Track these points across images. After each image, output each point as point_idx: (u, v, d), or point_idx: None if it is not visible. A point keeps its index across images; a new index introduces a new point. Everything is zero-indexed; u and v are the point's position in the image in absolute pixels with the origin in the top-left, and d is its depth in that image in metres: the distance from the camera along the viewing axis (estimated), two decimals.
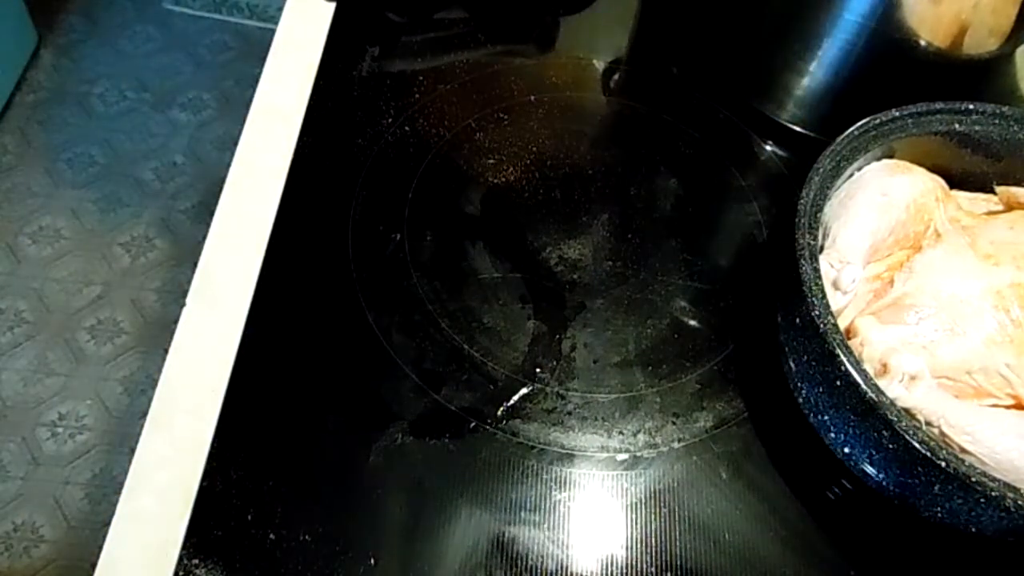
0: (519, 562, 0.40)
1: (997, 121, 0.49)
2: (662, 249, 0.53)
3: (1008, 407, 0.41)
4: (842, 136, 0.46)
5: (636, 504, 0.43)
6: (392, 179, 0.55)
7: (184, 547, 0.39)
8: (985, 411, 0.40)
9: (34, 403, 1.21)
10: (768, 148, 0.60)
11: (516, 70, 0.62)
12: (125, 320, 1.30)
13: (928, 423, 0.40)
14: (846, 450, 0.42)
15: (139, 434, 0.43)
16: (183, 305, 0.48)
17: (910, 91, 0.49)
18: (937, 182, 0.48)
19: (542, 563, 0.40)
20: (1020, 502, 0.35)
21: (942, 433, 0.39)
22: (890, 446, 0.38)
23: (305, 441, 0.43)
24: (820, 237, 0.46)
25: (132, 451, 0.43)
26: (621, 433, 0.45)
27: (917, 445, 0.36)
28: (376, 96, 0.59)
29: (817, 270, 0.41)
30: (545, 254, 0.52)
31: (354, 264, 0.50)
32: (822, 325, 0.39)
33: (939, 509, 0.39)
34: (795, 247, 0.42)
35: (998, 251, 0.44)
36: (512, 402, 0.46)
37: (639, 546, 0.41)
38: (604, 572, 0.41)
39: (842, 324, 0.43)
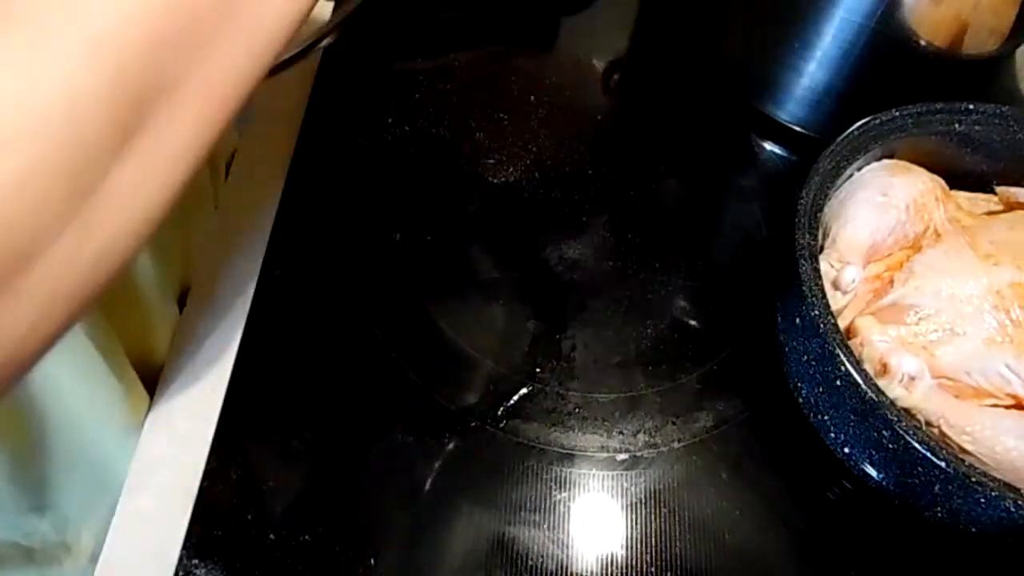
0: (519, 562, 0.40)
1: (997, 121, 0.49)
2: (662, 249, 0.53)
3: (1008, 407, 0.41)
4: (842, 136, 0.46)
5: (636, 504, 0.43)
6: (392, 179, 0.55)
7: (184, 547, 0.39)
8: (985, 411, 0.40)
9: None
10: (768, 148, 0.60)
11: (516, 70, 0.62)
12: None
13: (928, 423, 0.40)
14: (846, 450, 0.42)
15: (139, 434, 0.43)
16: (183, 305, 0.48)
17: (910, 91, 0.49)
18: (937, 182, 0.48)
19: (542, 563, 0.40)
20: (1020, 502, 0.35)
21: (942, 433, 0.39)
22: (890, 446, 0.38)
23: (305, 441, 0.43)
24: (820, 237, 0.46)
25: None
26: (621, 433, 0.45)
27: (917, 445, 0.36)
28: (376, 96, 0.59)
29: (817, 270, 0.41)
30: (545, 254, 0.52)
31: (354, 264, 0.50)
32: (822, 325, 0.39)
33: (939, 509, 0.39)
34: (795, 247, 0.42)
35: (998, 251, 0.44)
36: (512, 402, 0.46)
37: (639, 546, 0.41)
38: (604, 572, 0.41)
39: (842, 324, 0.43)
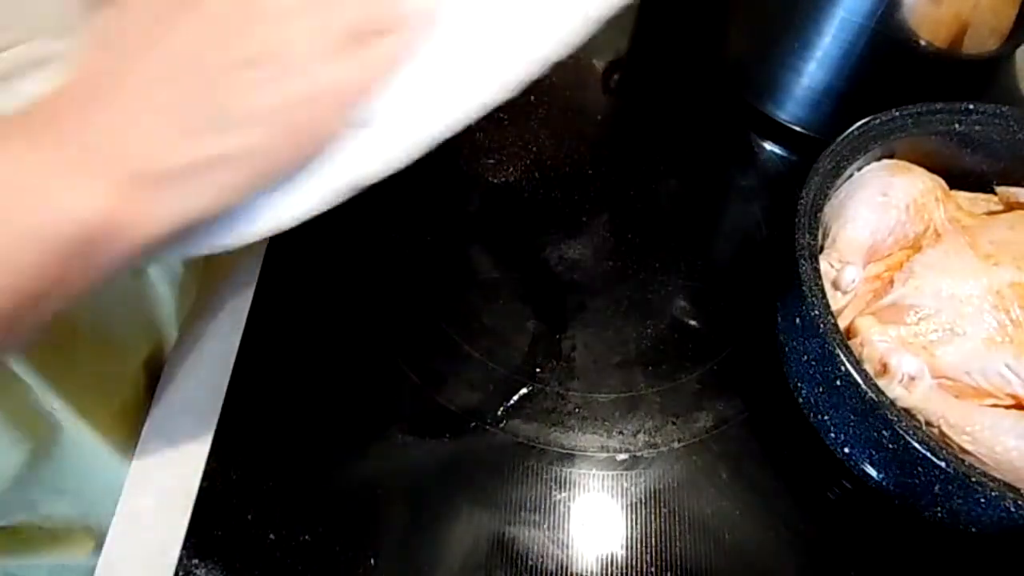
0: (519, 562, 0.40)
1: (997, 121, 0.49)
2: (662, 249, 0.53)
3: (1008, 407, 0.41)
4: (842, 136, 0.46)
5: (636, 504, 0.43)
6: (392, 179, 0.55)
7: (184, 547, 0.39)
8: (985, 411, 0.40)
9: None
10: (768, 148, 0.60)
11: None
12: None
13: (928, 423, 0.40)
14: (846, 450, 0.42)
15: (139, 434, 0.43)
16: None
17: (910, 91, 0.49)
18: (937, 182, 0.48)
19: (542, 563, 0.40)
20: (1020, 502, 0.35)
21: (942, 433, 0.39)
22: (890, 446, 0.38)
23: (305, 441, 0.43)
24: (820, 237, 0.46)
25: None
26: (621, 433, 0.45)
27: (917, 445, 0.36)
28: None
29: (817, 270, 0.41)
30: (545, 254, 0.52)
31: (354, 264, 0.50)
32: (822, 325, 0.39)
33: (939, 509, 0.39)
34: (795, 247, 0.42)
35: (998, 251, 0.44)
36: (512, 402, 0.46)
37: (639, 546, 0.41)
38: (604, 572, 0.41)
39: (842, 324, 0.43)
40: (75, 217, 0.24)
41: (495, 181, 0.56)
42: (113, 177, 0.25)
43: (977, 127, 0.49)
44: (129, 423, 0.43)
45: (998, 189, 0.50)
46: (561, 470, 0.44)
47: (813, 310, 0.39)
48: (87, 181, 0.25)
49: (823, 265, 0.43)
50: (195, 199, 0.27)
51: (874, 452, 0.40)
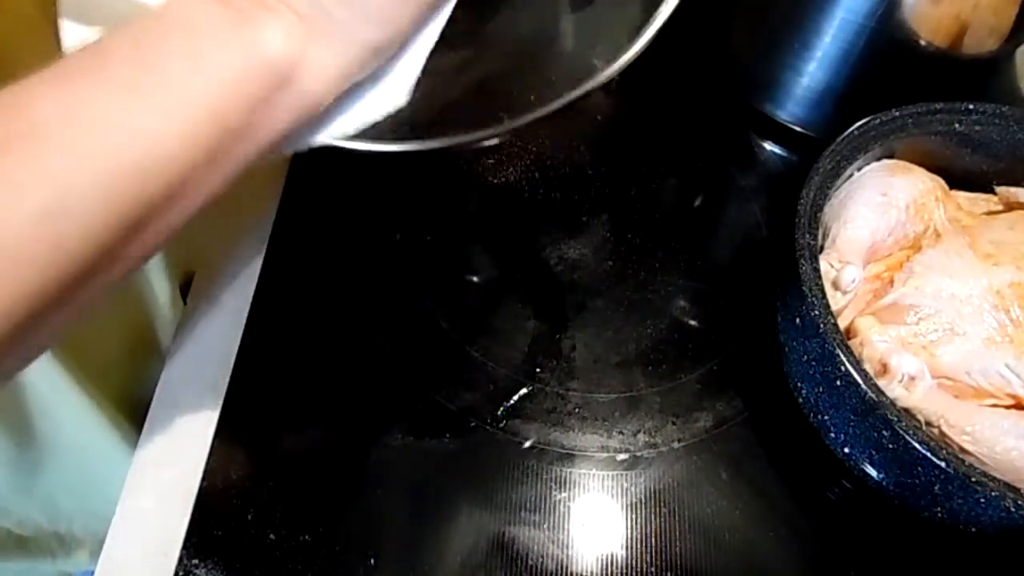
0: (519, 562, 0.40)
1: (997, 121, 0.48)
2: (662, 249, 0.53)
3: (1008, 407, 0.40)
4: (842, 136, 0.46)
5: (636, 504, 0.43)
6: (392, 179, 0.55)
7: (184, 547, 0.39)
8: (985, 411, 0.40)
9: None
10: (768, 148, 0.60)
11: None
12: None
13: (928, 423, 0.40)
14: (846, 450, 0.42)
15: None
16: (183, 305, 0.48)
17: (910, 91, 0.49)
18: (937, 182, 0.48)
19: (542, 563, 0.40)
20: (1020, 502, 0.35)
21: (942, 433, 0.39)
22: (890, 446, 0.38)
23: (305, 441, 0.43)
24: (820, 237, 0.46)
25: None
26: (621, 433, 0.45)
27: (917, 445, 0.36)
28: None
29: (817, 270, 0.41)
30: (545, 254, 0.52)
31: (354, 264, 0.50)
32: (822, 325, 0.39)
33: (939, 509, 0.39)
34: (795, 247, 0.42)
35: (998, 251, 0.44)
36: (512, 402, 0.46)
37: (639, 546, 0.41)
38: (604, 572, 0.41)
39: (842, 324, 0.43)
40: (268, 54, 0.25)
41: (495, 181, 0.56)
42: (296, 26, 0.25)
43: (977, 127, 0.49)
44: (129, 421, 0.43)
45: (998, 189, 0.50)
46: (561, 470, 0.44)
47: (813, 310, 0.39)
48: (276, 22, 0.25)
49: (823, 265, 0.43)
50: (351, 52, 0.27)
51: (874, 452, 0.40)
